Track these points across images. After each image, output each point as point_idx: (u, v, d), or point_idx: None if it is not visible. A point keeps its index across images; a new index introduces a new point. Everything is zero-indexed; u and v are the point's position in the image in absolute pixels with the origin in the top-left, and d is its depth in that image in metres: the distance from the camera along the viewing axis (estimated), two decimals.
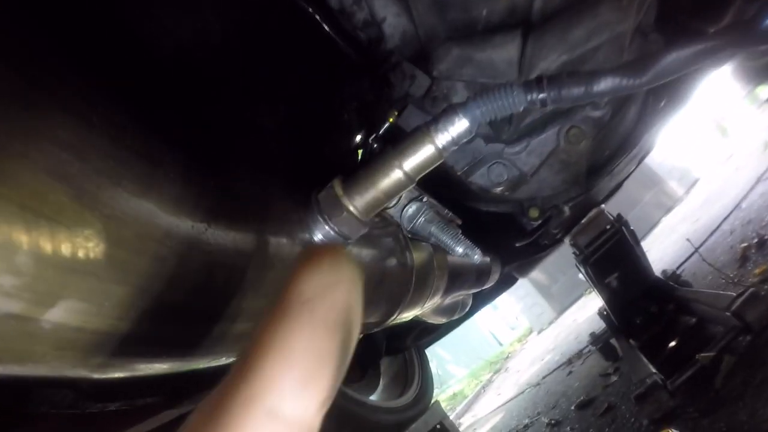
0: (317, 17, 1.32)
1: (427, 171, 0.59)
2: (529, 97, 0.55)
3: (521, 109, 0.55)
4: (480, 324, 16.16)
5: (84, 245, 0.36)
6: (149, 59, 0.89)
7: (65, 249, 0.35)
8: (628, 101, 1.50)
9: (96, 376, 0.47)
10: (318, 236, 0.63)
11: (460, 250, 0.95)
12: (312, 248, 0.29)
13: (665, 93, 2.16)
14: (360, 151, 1.58)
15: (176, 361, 0.53)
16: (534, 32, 1.01)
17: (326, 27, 1.29)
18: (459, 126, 0.56)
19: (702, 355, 2.60)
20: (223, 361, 0.63)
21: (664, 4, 1.47)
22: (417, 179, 0.60)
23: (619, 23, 1.09)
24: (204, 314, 0.51)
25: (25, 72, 0.36)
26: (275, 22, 1.26)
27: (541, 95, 0.54)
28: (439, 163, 0.59)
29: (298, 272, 0.29)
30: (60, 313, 0.36)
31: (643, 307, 3.27)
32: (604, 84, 0.53)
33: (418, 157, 0.58)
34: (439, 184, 1.16)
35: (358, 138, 1.57)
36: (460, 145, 0.58)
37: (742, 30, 0.59)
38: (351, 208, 0.60)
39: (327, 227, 0.62)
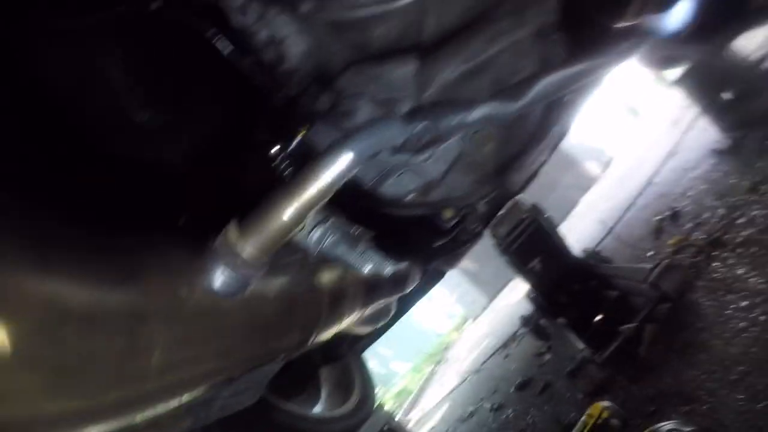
0: (216, 39, 1.29)
1: (316, 207, 0.59)
2: (410, 128, 0.55)
3: (403, 140, 0.56)
4: (417, 317, 16.33)
5: None
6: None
7: None
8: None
9: None
10: (218, 282, 0.63)
11: (368, 268, 0.95)
12: None
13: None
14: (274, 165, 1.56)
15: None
16: (430, 50, 1.01)
17: (226, 53, 1.27)
18: (343, 161, 0.57)
19: (625, 326, 2.73)
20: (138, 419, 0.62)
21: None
22: (305, 218, 0.60)
23: (518, 30, 1.11)
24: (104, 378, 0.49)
25: None
26: (174, 51, 1.23)
27: (420, 124, 0.55)
28: (328, 198, 0.59)
29: None
30: None
31: (567, 287, 3.40)
32: (480, 112, 0.55)
33: (305, 196, 0.58)
34: (350, 195, 1.16)
35: (272, 151, 1.55)
36: (348, 177, 0.58)
37: (610, 48, 0.62)
38: (246, 253, 0.59)
39: (226, 273, 0.61)
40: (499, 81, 1.21)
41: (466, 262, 11.06)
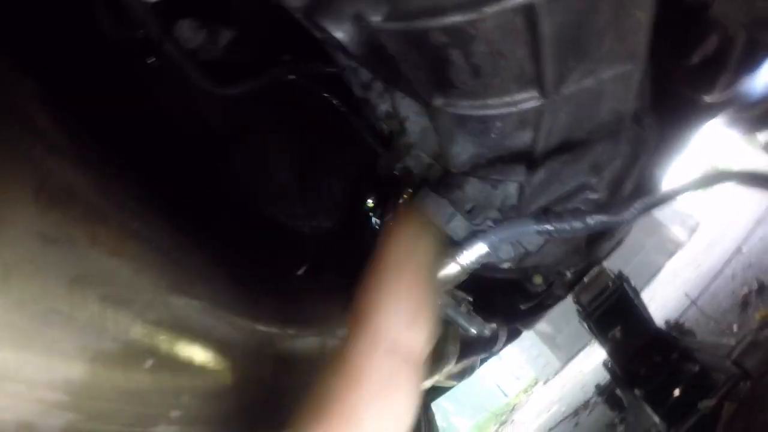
0: (343, 108, 1.47)
1: (453, 284, 0.73)
2: (538, 229, 0.68)
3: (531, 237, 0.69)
4: (484, 375, 15.83)
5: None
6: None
7: None
8: (624, 179, 1.62)
9: None
10: None
11: (473, 330, 1.07)
12: (397, 221, 0.39)
13: (660, 162, 2.29)
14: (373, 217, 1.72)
15: None
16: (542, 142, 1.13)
17: (352, 118, 1.44)
18: (479, 249, 0.70)
19: (703, 404, 2.68)
20: None
21: (659, 76, 1.60)
22: (443, 290, 0.74)
23: (618, 124, 1.22)
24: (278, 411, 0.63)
25: None
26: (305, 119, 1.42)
27: (549, 227, 0.68)
28: (464, 278, 0.73)
29: (390, 241, 0.38)
30: None
31: (647, 358, 3.35)
32: (596, 221, 0.68)
33: (445, 273, 0.72)
34: None
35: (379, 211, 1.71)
36: (481, 264, 0.71)
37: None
38: None
39: None
40: (597, 165, 1.31)
41: (542, 324, 10.84)
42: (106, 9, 0.99)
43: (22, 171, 0.35)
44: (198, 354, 0.48)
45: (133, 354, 0.41)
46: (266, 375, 0.59)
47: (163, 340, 0.44)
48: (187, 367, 0.47)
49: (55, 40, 0.82)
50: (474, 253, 0.70)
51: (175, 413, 0.46)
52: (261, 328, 0.58)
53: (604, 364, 3.93)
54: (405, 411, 0.35)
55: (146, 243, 0.46)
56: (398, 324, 0.34)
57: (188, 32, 1.09)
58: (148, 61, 1.07)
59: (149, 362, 0.43)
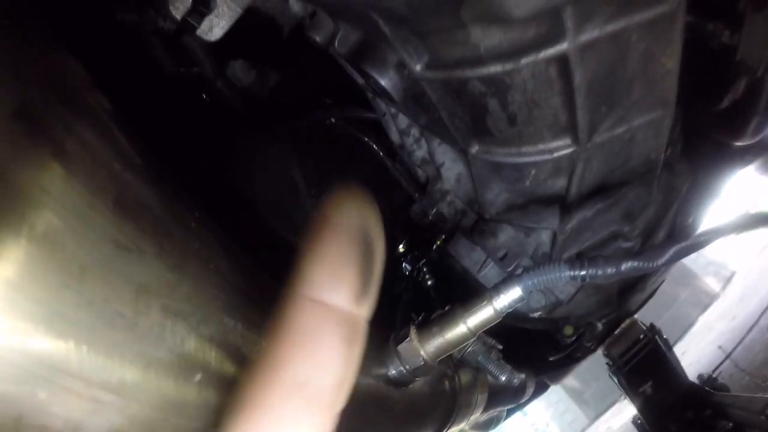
0: (381, 153, 1.50)
1: (486, 327, 0.74)
2: (572, 274, 0.69)
3: (565, 282, 0.70)
4: (508, 431, 15.25)
5: None
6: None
7: None
8: (657, 228, 1.62)
9: None
10: (392, 372, 0.78)
11: (503, 378, 1.07)
12: (336, 192, 0.37)
13: (692, 210, 2.27)
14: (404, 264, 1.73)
15: None
16: (574, 190, 1.15)
17: (389, 163, 1.47)
18: (513, 293, 0.72)
19: None
20: None
21: (689, 122, 1.61)
22: (477, 333, 0.75)
23: (651, 171, 1.23)
24: None
25: None
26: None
27: (582, 272, 0.69)
28: (496, 321, 0.74)
29: (325, 208, 0.37)
30: None
31: (679, 414, 3.25)
32: (629, 266, 0.69)
33: (480, 316, 0.73)
34: None
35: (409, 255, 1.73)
36: (515, 307, 0.73)
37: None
38: (425, 356, 0.75)
39: (402, 368, 0.77)
40: (629, 213, 1.32)
41: (570, 379, 10.57)
42: (164, 46, 1.06)
43: (103, 183, 0.39)
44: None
45: (185, 366, 0.44)
46: None
47: (213, 357, 0.46)
48: (232, 386, 0.49)
49: (121, 74, 0.87)
50: (509, 297, 0.72)
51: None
52: None
53: (634, 420, 3.81)
54: (334, 372, 0.32)
55: (205, 262, 0.49)
56: (319, 280, 0.33)
57: (240, 72, 1.16)
58: (203, 97, 1.12)
59: (198, 376, 0.45)
